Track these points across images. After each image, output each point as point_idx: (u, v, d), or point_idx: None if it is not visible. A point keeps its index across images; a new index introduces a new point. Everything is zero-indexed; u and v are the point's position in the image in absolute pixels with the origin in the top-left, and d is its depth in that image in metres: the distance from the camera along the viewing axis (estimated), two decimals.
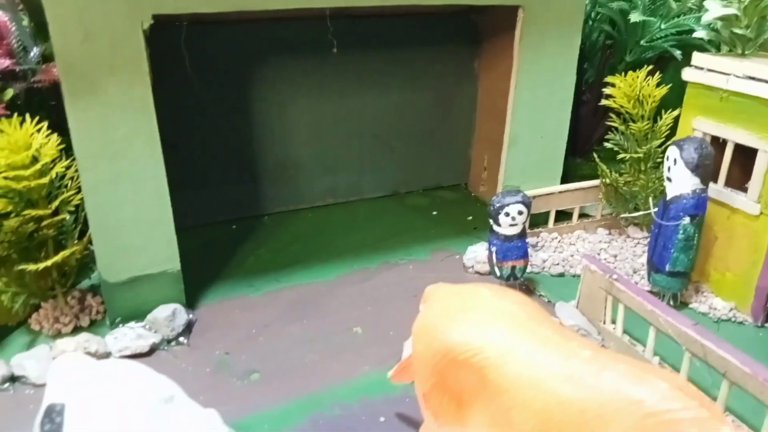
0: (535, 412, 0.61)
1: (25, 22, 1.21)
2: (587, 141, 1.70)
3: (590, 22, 1.58)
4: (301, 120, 1.55)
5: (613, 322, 1.10)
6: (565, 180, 1.51)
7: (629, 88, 1.31)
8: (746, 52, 1.19)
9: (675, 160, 1.12)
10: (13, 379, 1.03)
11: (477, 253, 1.37)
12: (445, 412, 0.71)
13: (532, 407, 0.61)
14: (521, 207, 1.16)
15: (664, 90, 1.31)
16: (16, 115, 1.01)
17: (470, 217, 1.63)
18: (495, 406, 0.64)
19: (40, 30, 1.21)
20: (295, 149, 1.58)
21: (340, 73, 1.53)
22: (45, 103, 1.16)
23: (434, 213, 1.67)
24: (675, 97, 1.32)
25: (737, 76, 1.13)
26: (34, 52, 1.19)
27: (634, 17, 1.38)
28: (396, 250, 1.47)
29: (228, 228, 1.57)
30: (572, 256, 1.38)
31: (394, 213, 1.67)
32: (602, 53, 1.62)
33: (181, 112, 1.39)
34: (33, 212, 1.03)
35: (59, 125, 1.06)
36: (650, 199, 1.23)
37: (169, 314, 1.13)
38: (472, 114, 1.70)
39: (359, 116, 1.61)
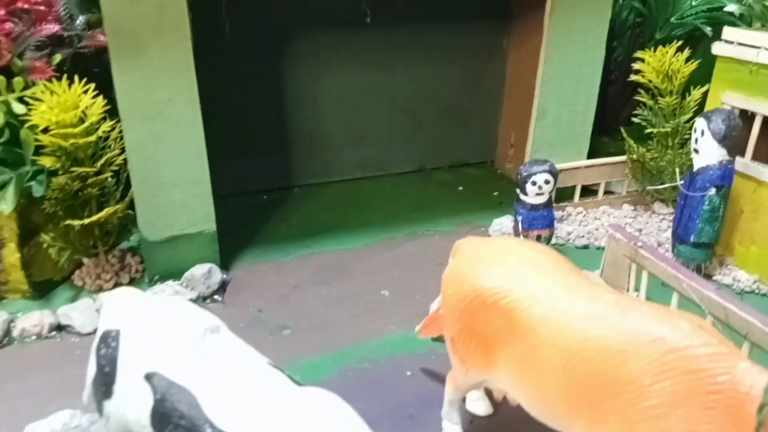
0: (560, 349, 0.64)
1: None
2: (615, 120, 1.70)
3: (620, 0, 1.58)
4: (333, 93, 1.59)
5: (637, 290, 1.12)
6: (591, 158, 1.52)
7: (658, 63, 1.32)
8: None
9: (702, 132, 1.13)
10: (59, 327, 1.09)
11: (502, 225, 1.39)
12: (472, 356, 0.74)
13: (557, 345, 0.64)
14: (548, 176, 1.18)
15: (693, 65, 1.32)
16: (65, 77, 1.06)
17: (496, 193, 1.66)
18: (522, 346, 0.67)
19: None
20: (326, 122, 1.62)
21: (371, 47, 1.56)
22: (89, 69, 1.21)
23: (460, 188, 1.70)
24: (705, 76, 1.33)
25: (766, 49, 1.13)
26: (80, 19, 1.24)
27: None
28: (422, 221, 1.50)
29: (259, 198, 1.61)
30: (597, 229, 1.40)
31: (420, 187, 1.70)
32: (632, 31, 1.62)
33: (216, 83, 1.43)
34: (79, 169, 1.08)
35: (102, 91, 1.11)
36: (676, 170, 1.24)
37: (205, 272, 1.18)
38: (500, 91, 1.71)
39: (389, 91, 1.64)
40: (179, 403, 0.57)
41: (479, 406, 0.91)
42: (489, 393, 0.92)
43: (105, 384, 0.63)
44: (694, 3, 1.46)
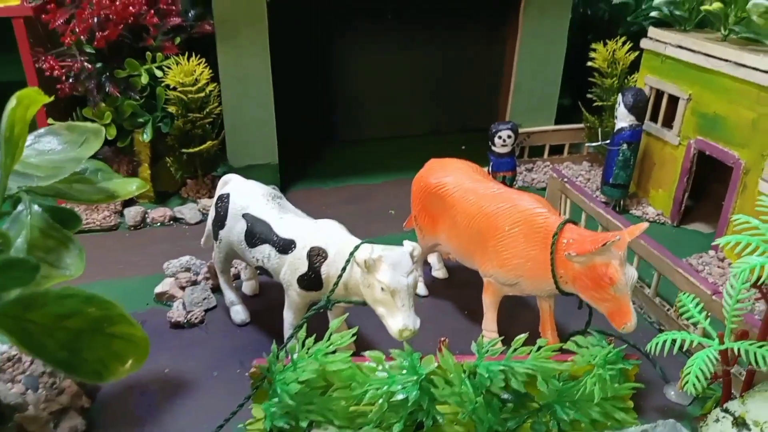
0: (467, 215, 1.14)
1: None
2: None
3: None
4: (366, 69, 2.10)
5: (564, 213, 1.60)
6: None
7: (606, 53, 1.77)
8: (687, 29, 1.63)
9: (619, 103, 1.59)
10: (175, 219, 1.67)
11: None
12: (426, 226, 1.26)
13: (466, 213, 1.14)
14: (509, 132, 1.67)
15: (632, 56, 1.77)
16: (186, 54, 1.62)
17: None
18: (450, 217, 1.18)
19: None
20: (361, 92, 2.14)
21: (397, 31, 2.06)
22: (198, 48, 1.75)
23: (463, 147, 2.19)
24: None
25: (671, 45, 1.58)
26: (192, 13, 1.78)
27: None
28: None
29: (310, 146, 2.15)
30: None
31: (433, 145, 2.19)
32: (603, 26, 2.06)
33: (285, 61, 1.97)
34: (192, 116, 1.64)
35: (206, 63, 1.66)
36: (599, 131, 1.70)
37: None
38: (500, 69, 2.17)
39: (411, 68, 2.14)
40: (260, 227, 1.11)
41: (439, 273, 1.42)
42: (446, 266, 1.43)
43: (220, 221, 1.17)
44: (644, 6, 1.89)
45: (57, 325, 0.63)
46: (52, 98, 0.73)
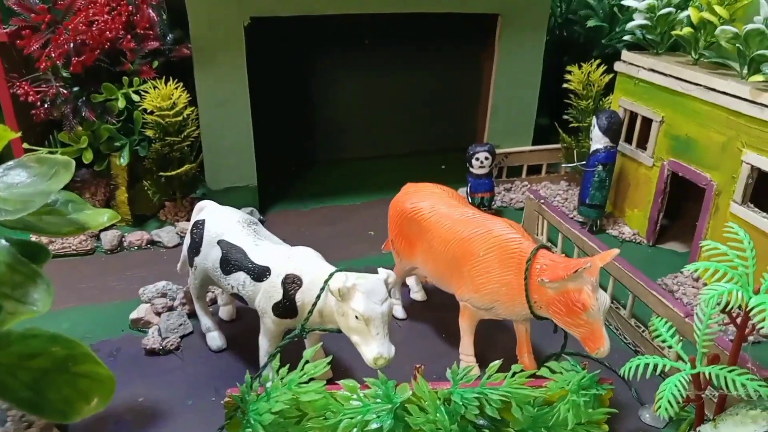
0: (443, 240, 1.14)
1: (164, 16, 1.81)
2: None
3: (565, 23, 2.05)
4: (346, 92, 2.11)
5: (542, 233, 1.61)
6: None
7: (581, 76, 1.80)
8: (660, 52, 1.66)
9: (594, 125, 1.61)
10: (152, 242, 1.65)
11: (461, 192, 1.89)
12: (403, 250, 1.26)
13: (442, 238, 1.15)
14: (487, 154, 1.68)
15: (607, 78, 1.79)
16: (164, 78, 1.61)
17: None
18: (426, 241, 1.18)
19: (173, 22, 1.81)
20: (341, 114, 2.15)
21: (377, 56, 2.08)
22: (176, 71, 1.75)
23: (443, 167, 2.21)
24: None
25: (644, 68, 1.60)
26: (170, 37, 1.78)
27: (591, 23, 1.86)
28: None
29: (290, 168, 2.15)
30: None
31: (412, 165, 2.21)
32: (579, 49, 2.09)
33: (263, 84, 1.97)
34: (169, 139, 1.63)
35: (185, 86, 1.65)
36: (574, 152, 1.72)
37: (249, 211, 1.72)
38: (477, 92, 2.20)
39: (391, 89, 2.16)
40: (235, 254, 1.10)
41: (418, 295, 1.42)
42: (425, 288, 1.43)
43: (195, 248, 1.17)
44: (618, 29, 1.93)
45: (21, 365, 0.62)
46: (19, 134, 0.73)
